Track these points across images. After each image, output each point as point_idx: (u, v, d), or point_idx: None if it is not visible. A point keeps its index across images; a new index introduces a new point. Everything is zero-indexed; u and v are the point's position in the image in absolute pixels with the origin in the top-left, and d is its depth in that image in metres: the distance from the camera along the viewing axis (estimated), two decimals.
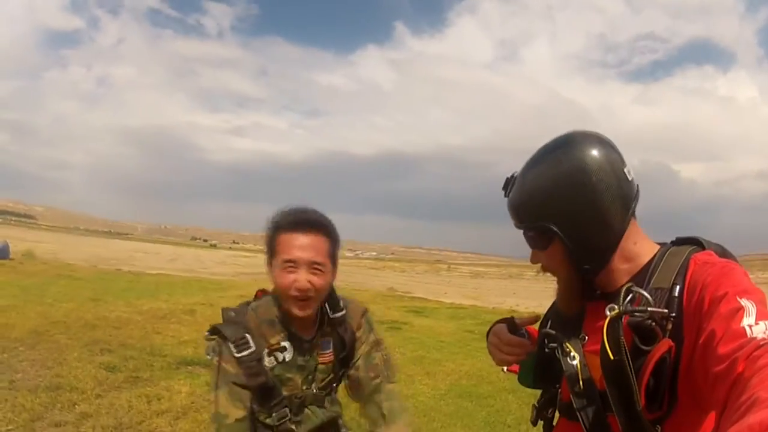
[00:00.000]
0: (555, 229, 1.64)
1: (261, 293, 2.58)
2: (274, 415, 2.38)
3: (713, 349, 1.26)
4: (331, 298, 2.55)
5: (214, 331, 2.38)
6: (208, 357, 2.41)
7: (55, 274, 22.17)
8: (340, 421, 2.64)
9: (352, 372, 2.63)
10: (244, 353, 2.31)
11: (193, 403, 7.00)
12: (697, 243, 1.67)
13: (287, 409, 2.40)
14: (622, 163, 1.66)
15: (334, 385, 2.62)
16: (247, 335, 2.34)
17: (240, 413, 2.30)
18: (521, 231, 1.77)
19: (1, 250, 26.39)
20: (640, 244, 1.70)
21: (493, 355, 2.06)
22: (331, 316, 2.54)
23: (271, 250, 2.38)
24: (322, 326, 2.53)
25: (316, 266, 2.33)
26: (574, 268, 1.69)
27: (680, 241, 1.72)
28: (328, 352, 2.54)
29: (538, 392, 2.04)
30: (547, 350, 1.83)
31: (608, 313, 1.49)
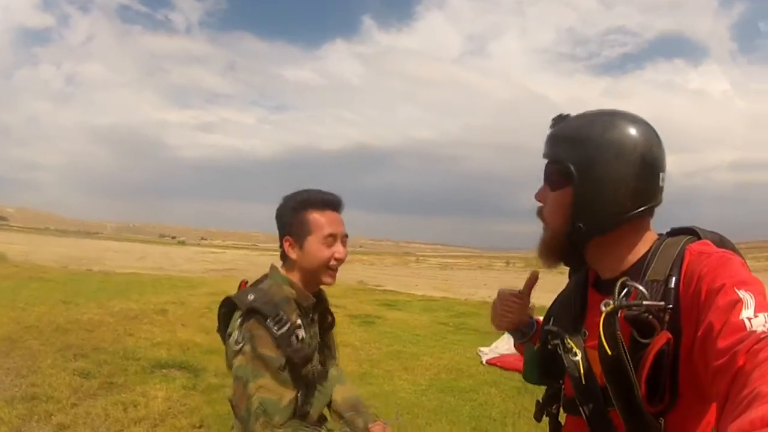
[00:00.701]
0: (574, 173, 1.63)
1: (245, 284, 2.54)
2: (299, 395, 2.34)
3: (712, 343, 1.26)
4: None
5: (251, 311, 2.25)
6: (236, 347, 2.24)
7: (26, 276, 21.96)
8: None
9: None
10: (283, 330, 2.25)
11: (170, 408, 6.99)
12: (692, 233, 1.67)
13: (302, 390, 2.38)
14: (662, 168, 1.65)
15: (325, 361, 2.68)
16: (280, 311, 2.28)
17: (291, 393, 2.27)
18: (547, 162, 1.76)
19: None
20: (642, 237, 1.69)
21: (493, 319, 2.20)
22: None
23: (303, 229, 2.43)
24: (320, 302, 2.62)
25: (346, 238, 2.52)
26: (569, 222, 1.67)
27: (675, 232, 1.71)
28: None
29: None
30: (549, 347, 1.84)
31: (603, 308, 1.52)
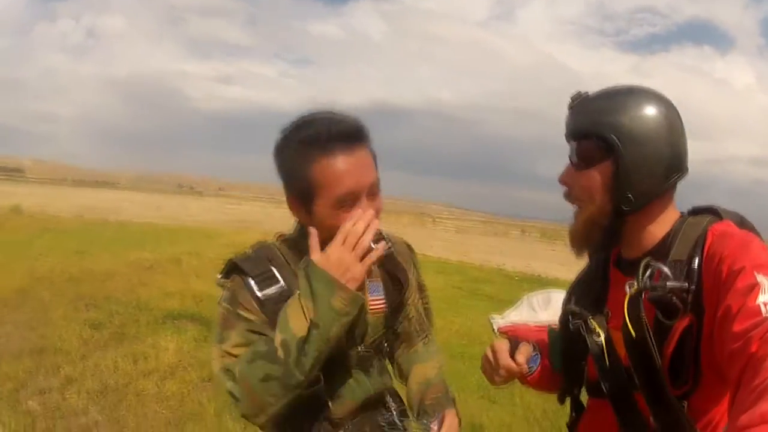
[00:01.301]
0: (618, 143, 1.57)
1: (281, 237, 1.99)
2: None
3: (729, 326, 1.25)
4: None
5: (230, 267, 1.82)
6: (221, 307, 1.78)
7: (41, 227, 21.96)
8: (388, 397, 2.03)
9: (399, 328, 2.13)
10: (270, 290, 1.76)
11: (180, 361, 6.95)
12: (714, 212, 1.64)
13: (320, 375, 1.68)
14: (685, 137, 1.65)
15: (385, 345, 2.07)
16: (273, 269, 1.81)
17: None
18: (573, 141, 1.69)
19: None
20: (670, 212, 1.68)
21: (484, 371, 2.02)
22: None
23: (309, 186, 1.71)
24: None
25: (374, 188, 1.76)
26: (612, 196, 1.62)
27: (697, 211, 1.69)
28: (378, 298, 1.99)
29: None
30: (571, 327, 1.77)
31: (628, 290, 1.51)
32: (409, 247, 2.23)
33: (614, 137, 1.57)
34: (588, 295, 1.82)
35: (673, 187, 1.65)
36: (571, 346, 1.82)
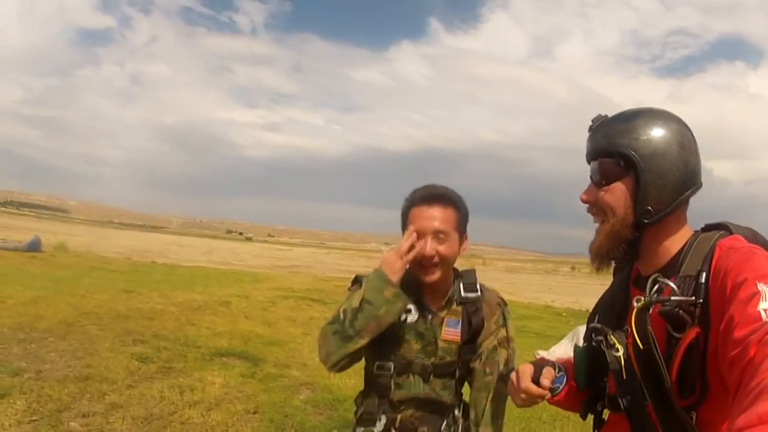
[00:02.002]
0: (637, 159, 1.67)
1: None
2: (377, 363, 2.50)
3: (730, 334, 1.29)
4: (468, 279, 2.62)
5: (356, 278, 2.58)
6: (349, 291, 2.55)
7: (87, 266, 22.24)
8: (457, 412, 2.61)
9: (472, 364, 2.58)
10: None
11: (226, 394, 6.89)
12: (725, 228, 1.71)
13: (392, 365, 2.49)
14: (698, 153, 1.74)
15: (456, 371, 2.57)
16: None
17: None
18: (595, 161, 1.80)
19: (33, 243, 26.53)
20: (683, 227, 1.75)
21: (509, 393, 2.12)
22: (463, 295, 2.57)
23: (404, 224, 2.49)
24: (451, 303, 2.56)
25: (440, 235, 2.43)
26: (634, 209, 1.71)
27: (709, 227, 1.76)
28: (454, 330, 2.55)
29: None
30: (594, 344, 1.85)
31: (635, 304, 1.60)
32: (501, 301, 2.68)
33: (633, 154, 1.68)
34: (610, 312, 1.90)
35: (687, 201, 1.73)
36: (594, 362, 1.89)
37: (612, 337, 1.71)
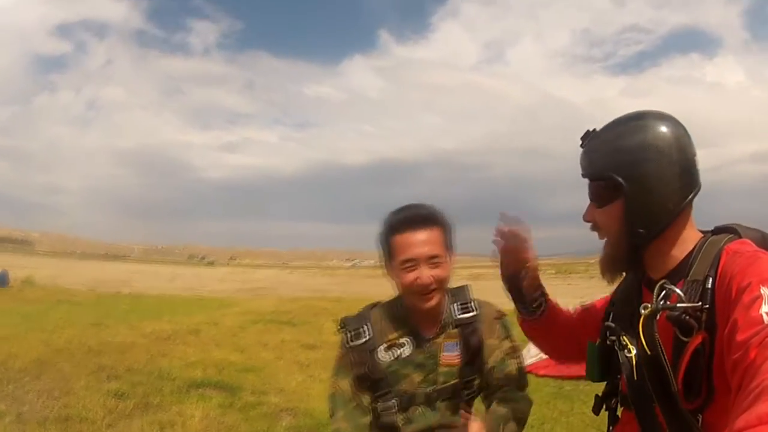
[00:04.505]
0: (623, 183, 1.70)
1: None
2: (379, 403, 2.42)
3: (733, 337, 1.32)
4: (462, 298, 2.56)
5: (342, 322, 2.51)
6: (340, 347, 2.53)
7: (55, 299, 22.04)
8: None
9: (475, 382, 2.52)
10: (357, 342, 2.44)
11: (207, 427, 6.89)
12: (733, 231, 1.73)
13: (394, 402, 2.41)
14: (695, 152, 1.74)
15: (464, 392, 2.50)
16: (365, 326, 2.46)
17: (366, 399, 2.44)
18: (587, 182, 1.84)
19: (0, 278, 26.11)
20: (688, 232, 1.75)
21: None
22: (458, 316, 2.51)
23: (388, 253, 2.43)
24: (446, 327, 2.51)
25: (434, 260, 2.36)
26: (628, 231, 1.74)
27: (718, 230, 1.77)
28: (453, 354, 2.49)
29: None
30: (608, 342, 1.88)
31: (642, 311, 1.64)
32: (499, 314, 2.62)
33: (620, 179, 1.70)
34: (624, 312, 1.90)
35: (689, 206, 1.74)
36: (608, 360, 1.93)
37: (625, 338, 1.74)
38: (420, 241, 2.35)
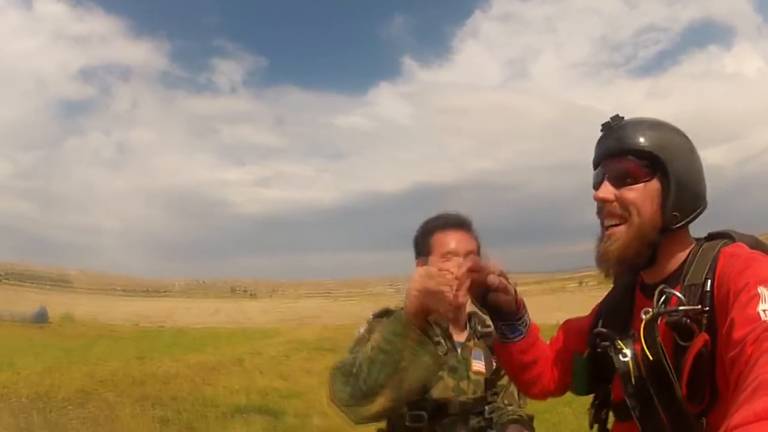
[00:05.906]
0: (665, 162, 1.66)
1: None
2: (408, 409, 2.26)
3: (730, 336, 1.32)
4: (480, 314, 2.52)
5: (382, 312, 2.39)
6: (358, 332, 2.37)
7: (96, 335, 22.26)
8: None
9: (497, 399, 2.49)
10: None
11: None
12: (728, 237, 1.71)
13: (424, 413, 2.27)
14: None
15: (486, 408, 2.43)
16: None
17: None
18: (618, 158, 1.74)
19: (39, 314, 26.55)
20: (688, 238, 1.76)
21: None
22: (481, 330, 2.54)
23: (425, 251, 2.48)
24: (473, 335, 2.53)
25: (471, 255, 2.30)
26: (661, 211, 1.68)
27: (712, 236, 1.76)
28: (480, 362, 2.47)
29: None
30: (599, 350, 1.82)
31: (643, 316, 1.60)
32: None
33: (665, 156, 1.66)
34: (616, 317, 1.88)
35: (700, 214, 1.73)
36: (598, 368, 1.88)
37: (620, 342, 1.70)
38: (458, 238, 2.44)
